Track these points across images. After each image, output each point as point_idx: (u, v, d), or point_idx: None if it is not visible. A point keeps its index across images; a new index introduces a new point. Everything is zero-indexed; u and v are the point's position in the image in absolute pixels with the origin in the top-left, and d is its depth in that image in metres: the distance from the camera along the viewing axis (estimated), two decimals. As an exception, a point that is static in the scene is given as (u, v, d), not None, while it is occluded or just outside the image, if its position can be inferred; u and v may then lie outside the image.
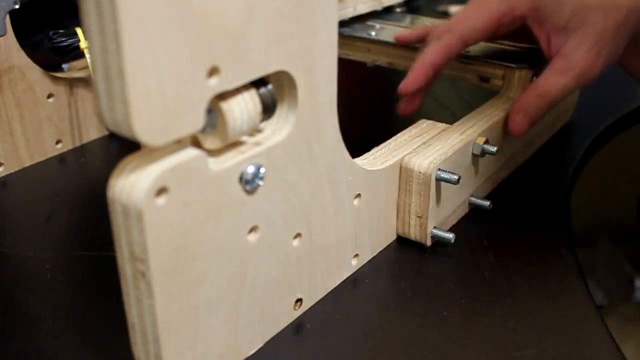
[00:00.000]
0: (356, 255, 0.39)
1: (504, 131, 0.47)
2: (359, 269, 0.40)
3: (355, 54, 0.62)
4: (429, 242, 0.41)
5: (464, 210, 0.45)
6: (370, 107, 0.67)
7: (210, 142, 0.28)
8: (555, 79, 0.45)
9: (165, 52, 0.24)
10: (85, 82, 0.55)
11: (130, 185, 0.25)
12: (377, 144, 0.42)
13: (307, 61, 0.31)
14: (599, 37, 0.44)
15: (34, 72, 0.51)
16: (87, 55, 0.51)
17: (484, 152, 0.43)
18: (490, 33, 0.46)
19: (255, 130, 0.31)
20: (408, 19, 0.66)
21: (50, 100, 0.53)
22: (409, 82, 0.46)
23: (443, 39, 0.46)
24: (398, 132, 0.44)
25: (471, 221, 0.45)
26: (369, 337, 0.35)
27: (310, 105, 0.32)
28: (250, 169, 0.29)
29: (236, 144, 0.30)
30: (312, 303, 0.37)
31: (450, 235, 0.40)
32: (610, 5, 0.45)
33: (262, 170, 0.30)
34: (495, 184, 0.49)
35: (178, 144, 0.27)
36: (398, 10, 0.70)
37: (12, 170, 0.52)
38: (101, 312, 0.37)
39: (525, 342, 0.34)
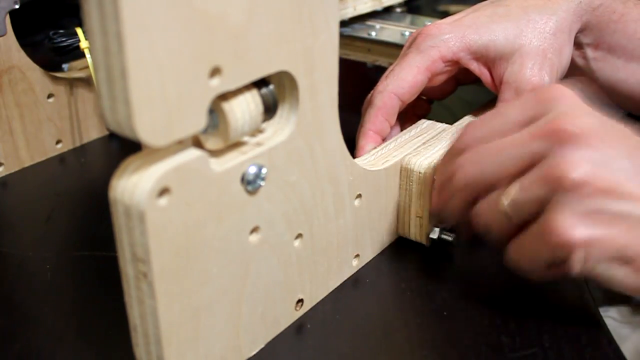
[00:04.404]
0: (357, 256, 0.39)
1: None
2: (359, 269, 0.40)
3: (355, 54, 0.63)
4: (429, 242, 0.41)
5: (464, 210, 0.45)
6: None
7: (212, 143, 0.29)
8: None
9: (167, 53, 0.24)
10: (85, 82, 0.55)
11: (132, 186, 0.25)
12: (378, 144, 0.42)
13: (309, 61, 0.31)
14: (538, 51, 0.43)
15: (34, 72, 0.51)
16: (88, 55, 0.51)
17: (484, 153, 0.43)
18: (424, 84, 0.44)
19: (256, 131, 0.31)
20: (408, 19, 0.66)
21: (50, 100, 0.53)
22: (359, 152, 0.43)
23: (375, 102, 0.44)
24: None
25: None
26: (369, 337, 0.35)
27: (312, 105, 0.32)
28: (252, 170, 0.29)
29: (238, 144, 0.30)
30: (313, 303, 0.37)
31: (451, 236, 0.40)
32: (541, 15, 0.43)
33: (264, 170, 0.30)
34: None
35: (180, 145, 0.27)
36: (398, 10, 0.70)
37: (12, 170, 0.52)
38: (102, 313, 0.37)
39: (525, 342, 0.34)
